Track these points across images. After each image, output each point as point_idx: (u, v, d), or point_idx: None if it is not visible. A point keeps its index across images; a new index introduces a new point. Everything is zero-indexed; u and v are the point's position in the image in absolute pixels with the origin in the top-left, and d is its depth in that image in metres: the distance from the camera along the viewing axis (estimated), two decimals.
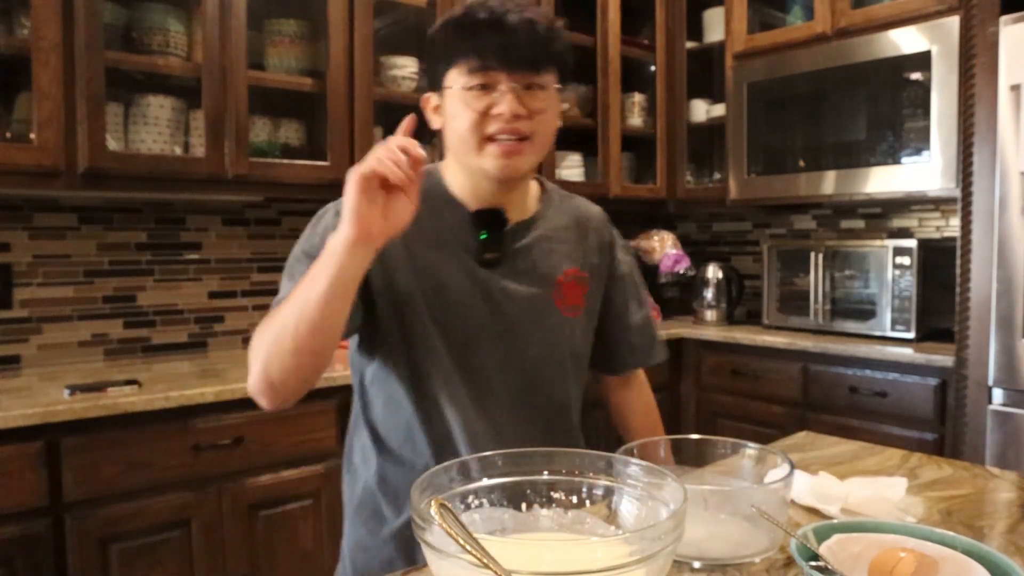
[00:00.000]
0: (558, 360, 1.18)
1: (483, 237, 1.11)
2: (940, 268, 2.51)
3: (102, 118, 1.88)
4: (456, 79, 1.04)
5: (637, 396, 1.39)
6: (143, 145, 2.05)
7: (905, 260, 2.51)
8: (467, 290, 1.10)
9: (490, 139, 1.04)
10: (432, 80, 1.10)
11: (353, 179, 0.87)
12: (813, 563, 0.74)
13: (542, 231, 1.17)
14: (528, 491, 0.80)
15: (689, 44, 3.23)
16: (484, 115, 1.03)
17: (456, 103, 1.04)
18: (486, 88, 1.02)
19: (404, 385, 1.12)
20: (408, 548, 1.13)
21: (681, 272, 3.17)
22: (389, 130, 2.52)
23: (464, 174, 1.12)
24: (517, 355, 1.14)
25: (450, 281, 1.10)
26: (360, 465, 1.20)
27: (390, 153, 0.88)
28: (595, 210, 1.28)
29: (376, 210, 0.89)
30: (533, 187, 1.22)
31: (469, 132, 1.04)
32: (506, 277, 1.12)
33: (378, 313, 1.10)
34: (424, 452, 1.12)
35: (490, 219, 1.12)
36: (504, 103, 1.02)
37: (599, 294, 1.25)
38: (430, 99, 1.11)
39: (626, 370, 1.34)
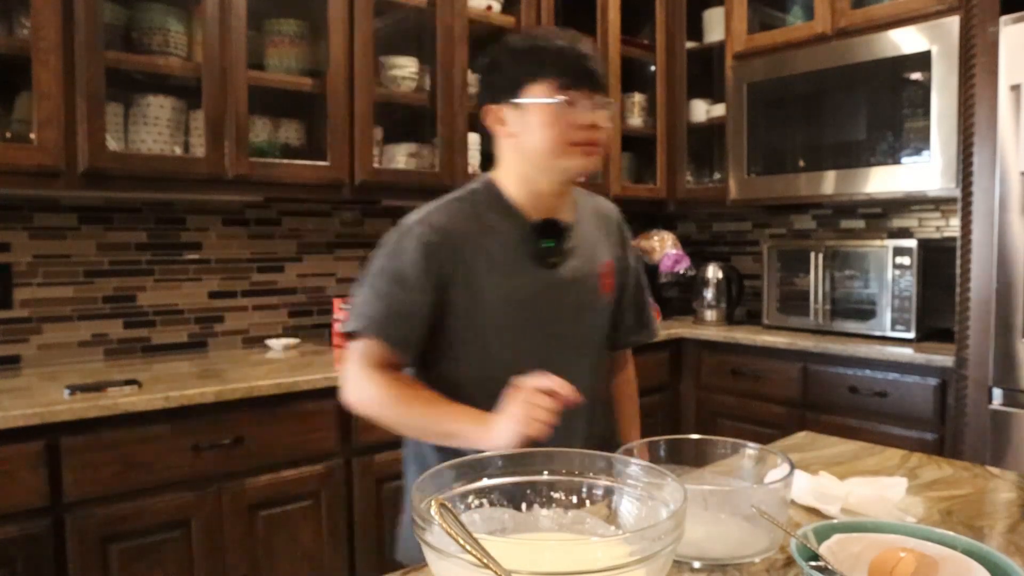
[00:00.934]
0: (600, 338, 1.40)
1: (549, 246, 1.28)
2: (940, 268, 2.50)
3: (102, 118, 1.88)
4: (541, 93, 1.20)
5: (626, 380, 1.57)
6: (143, 145, 2.05)
7: (905, 260, 2.50)
8: (534, 291, 1.28)
9: (573, 144, 1.21)
10: (497, 93, 1.24)
11: (511, 437, 1.06)
12: (813, 563, 0.74)
13: (584, 229, 1.36)
14: (528, 491, 0.80)
15: (689, 44, 3.22)
16: (569, 126, 1.20)
17: (538, 115, 1.21)
18: (570, 104, 1.20)
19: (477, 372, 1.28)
20: None
21: (681, 272, 3.17)
22: (389, 130, 2.54)
23: (522, 183, 1.27)
24: (573, 336, 1.33)
25: (520, 287, 1.26)
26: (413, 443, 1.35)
27: (537, 412, 1.06)
28: (611, 206, 1.47)
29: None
30: None
31: (558, 138, 1.21)
32: (566, 274, 1.31)
33: (455, 325, 1.25)
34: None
35: (549, 228, 1.28)
36: (590, 116, 1.21)
37: (620, 281, 1.44)
38: (492, 110, 1.25)
39: (621, 347, 1.53)
